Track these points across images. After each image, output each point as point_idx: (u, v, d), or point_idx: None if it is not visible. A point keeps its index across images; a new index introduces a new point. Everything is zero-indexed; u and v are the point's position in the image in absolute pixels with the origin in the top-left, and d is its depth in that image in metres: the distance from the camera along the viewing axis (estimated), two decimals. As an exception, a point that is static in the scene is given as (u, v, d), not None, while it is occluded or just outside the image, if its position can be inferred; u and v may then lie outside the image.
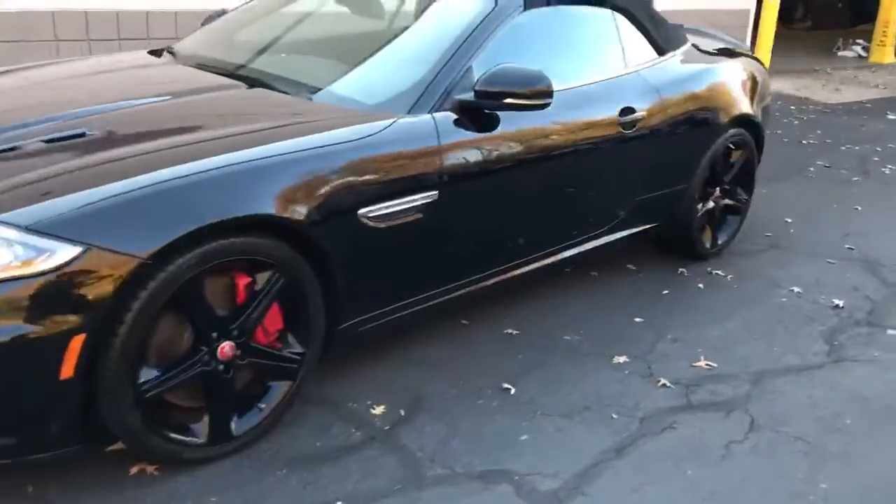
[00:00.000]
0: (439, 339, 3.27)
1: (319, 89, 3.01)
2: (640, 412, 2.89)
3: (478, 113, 2.97)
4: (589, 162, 3.44)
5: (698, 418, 2.88)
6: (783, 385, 3.14)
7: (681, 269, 4.15)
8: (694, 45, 4.33)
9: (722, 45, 4.70)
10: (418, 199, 2.75)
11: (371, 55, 3.24)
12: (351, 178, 2.57)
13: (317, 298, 2.58)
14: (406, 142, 2.74)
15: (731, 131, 4.13)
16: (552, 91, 2.96)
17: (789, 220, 5.01)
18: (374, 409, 2.80)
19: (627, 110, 3.52)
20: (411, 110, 2.83)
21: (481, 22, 3.12)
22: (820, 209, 5.30)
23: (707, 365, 3.24)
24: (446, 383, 2.98)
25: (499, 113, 3.03)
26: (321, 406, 2.80)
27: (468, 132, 2.92)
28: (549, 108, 3.00)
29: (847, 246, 4.64)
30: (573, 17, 3.63)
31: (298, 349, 2.61)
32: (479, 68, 2.98)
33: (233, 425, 2.50)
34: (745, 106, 4.20)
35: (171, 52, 3.57)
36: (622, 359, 3.24)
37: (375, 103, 2.89)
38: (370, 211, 2.61)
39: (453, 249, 3.00)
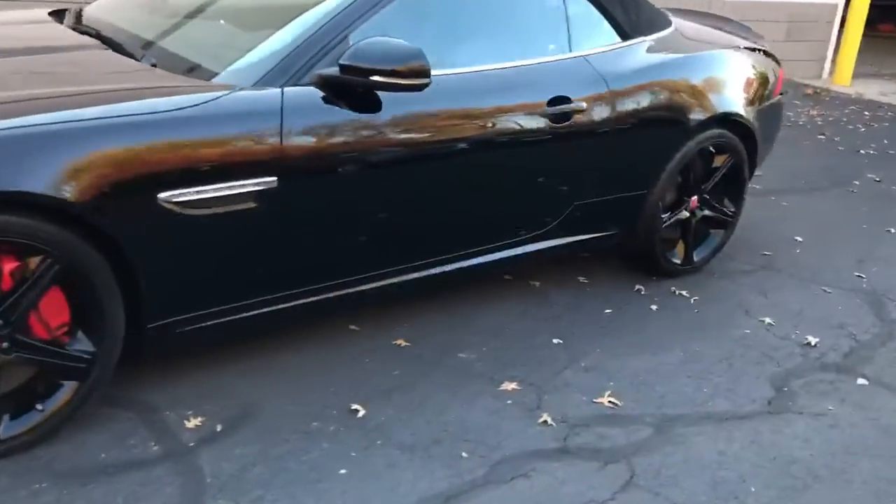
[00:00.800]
0: (309, 345, 2.91)
1: (188, 60, 2.68)
2: (499, 453, 2.45)
3: (351, 91, 2.58)
4: (502, 157, 2.99)
5: (566, 467, 2.42)
6: (694, 435, 2.63)
7: (638, 287, 3.64)
8: (679, 31, 3.78)
9: (735, 38, 4.13)
10: (248, 185, 2.39)
11: (245, 23, 2.88)
12: (150, 157, 2.22)
13: (110, 292, 2.26)
14: (235, 118, 2.37)
15: (710, 132, 3.58)
16: (428, 70, 2.53)
17: (799, 239, 4.38)
18: (188, 420, 2.46)
19: (559, 100, 3.05)
20: (258, 83, 2.47)
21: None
22: (844, 228, 4.64)
23: (611, 402, 2.76)
24: (289, 398, 2.62)
25: (385, 94, 2.62)
26: (131, 411, 2.49)
27: (340, 112, 2.54)
28: (456, 91, 2.71)
29: (857, 273, 4.01)
30: None
31: (89, 347, 2.29)
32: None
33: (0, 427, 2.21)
34: (731, 104, 3.64)
35: (72, 14, 3.31)
36: (512, 385, 2.79)
37: (222, 73, 2.54)
38: (174, 195, 2.26)
39: (309, 246, 2.62)
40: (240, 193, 2.38)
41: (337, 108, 2.55)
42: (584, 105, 3.11)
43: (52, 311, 2.24)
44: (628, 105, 3.27)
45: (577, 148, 3.17)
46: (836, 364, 3.15)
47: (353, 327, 3.06)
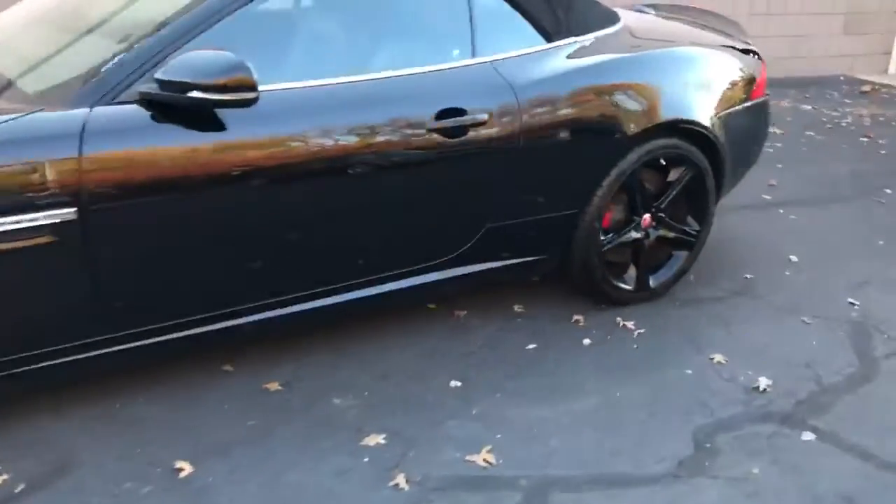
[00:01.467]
0: (168, 389, 2.64)
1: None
2: (326, 524, 2.12)
3: (185, 109, 2.30)
4: (385, 177, 2.66)
5: (397, 544, 2.07)
6: (571, 504, 2.23)
7: (576, 317, 3.23)
8: (628, 29, 3.36)
9: (708, 35, 3.68)
10: (40, 217, 2.13)
11: (76, 39, 2.64)
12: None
13: None
14: (29, 142, 2.12)
15: (657, 143, 3.15)
16: (253, 84, 2.24)
17: (794, 259, 3.87)
18: (-9, 478, 2.22)
19: (452, 112, 2.69)
20: (68, 102, 2.21)
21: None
22: (854, 246, 4.09)
23: (486, 461, 2.39)
24: (116, 453, 2.36)
25: (232, 111, 2.33)
26: (-65, 466, 2.26)
27: (169, 133, 2.26)
28: (320, 107, 2.46)
29: (850, 300, 3.48)
30: None
31: None
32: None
33: None
34: (683, 109, 3.20)
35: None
36: (378, 439, 2.46)
37: (32, 93, 2.30)
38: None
39: (136, 281, 2.35)
40: (34, 227, 2.12)
41: (166, 127, 2.27)
42: (485, 117, 2.74)
43: None
44: (543, 116, 2.88)
45: (479, 165, 2.81)
46: (782, 414, 2.68)
47: (226, 368, 2.79)
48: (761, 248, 3.97)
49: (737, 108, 3.47)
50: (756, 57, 3.69)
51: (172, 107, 2.28)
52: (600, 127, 3.01)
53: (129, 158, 2.23)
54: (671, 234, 3.37)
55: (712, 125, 3.28)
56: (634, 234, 3.27)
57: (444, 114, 2.68)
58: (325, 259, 2.67)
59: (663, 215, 3.31)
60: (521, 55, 2.93)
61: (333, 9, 2.78)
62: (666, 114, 3.14)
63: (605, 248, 3.20)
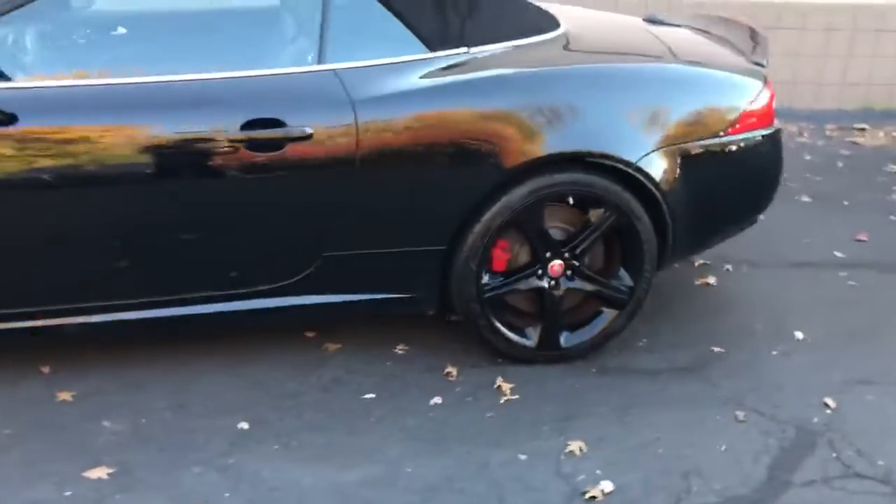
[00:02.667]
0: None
1: None
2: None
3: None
4: (185, 189, 2.46)
5: None
6: None
7: (450, 369, 2.80)
8: (564, 39, 2.85)
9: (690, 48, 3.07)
10: None
11: None
12: None
13: None
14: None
15: (558, 177, 2.64)
16: None
17: (798, 336, 3.12)
18: None
19: (266, 123, 2.41)
20: None
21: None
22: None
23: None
24: None
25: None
26: None
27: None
28: (105, 106, 2.33)
29: (827, 400, 2.73)
30: None
31: None
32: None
33: None
34: (596, 140, 2.65)
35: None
36: (104, 472, 2.27)
37: None
38: None
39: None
40: None
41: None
42: (309, 132, 2.42)
43: None
44: (390, 136, 2.51)
45: (304, 185, 2.50)
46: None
47: (44, 369, 2.71)
48: (769, 317, 3.23)
49: (702, 142, 2.81)
50: (759, 81, 2.97)
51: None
52: (469, 155, 2.57)
53: None
54: (590, 288, 2.81)
55: (646, 162, 2.68)
56: (537, 283, 2.76)
57: (253, 124, 2.39)
58: (127, 270, 2.50)
59: (577, 264, 2.76)
60: (379, 65, 2.55)
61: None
62: (565, 144, 2.61)
63: (491, 294, 2.73)
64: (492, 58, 2.67)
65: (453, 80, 2.57)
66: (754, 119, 2.91)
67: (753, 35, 3.29)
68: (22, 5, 2.30)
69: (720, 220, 3.03)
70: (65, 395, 2.58)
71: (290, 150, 2.42)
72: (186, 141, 2.38)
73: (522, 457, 2.39)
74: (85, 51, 2.57)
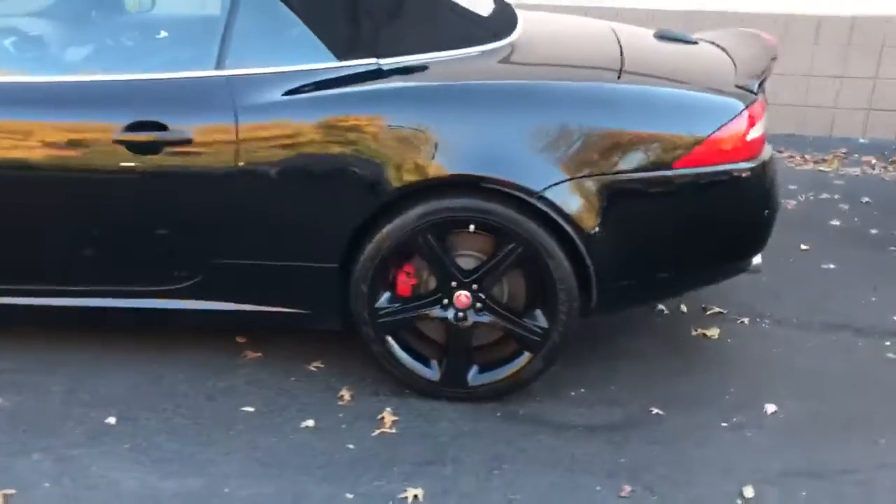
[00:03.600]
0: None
1: None
2: None
3: None
4: (71, 185, 2.54)
5: None
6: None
7: (345, 393, 2.70)
8: (508, 51, 2.65)
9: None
10: None
11: None
12: None
13: None
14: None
15: (453, 202, 2.45)
16: None
17: (768, 409, 2.67)
18: None
19: (148, 125, 2.45)
20: None
21: None
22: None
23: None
24: None
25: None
26: None
27: None
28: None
29: (746, 490, 2.32)
30: None
31: None
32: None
33: None
34: (493, 164, 2.43)
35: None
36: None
37: None
38: None
39: None
40: None
41: None
42: (188, 136, 2.43)
43: None
44: (272, 146, 2.46)
45: (183, 191, 2.50)
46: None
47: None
48: (749, 384, 2.81)
49: (640, 174, 2.48)
50: (737, 106, 2.55)
51: None
52: (353, 172, 2.44)
53: None
54: (500, 324, 2.58)
55: (556, 193, 2.41)
56: (439, 312, 2.58)
57: (136, 126, 2.44)
58: (30, 258, 2.65)
59: (483, 296, 2.55)
60: (274, 73, 2.50)
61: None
62: (456, 167, 2.41)
63: (386, 320, 2.59)
64: (400, 70, 2.52)
65: (346, 91, 2.46)
66: (723, 149, 2.50)
67: (762, 55, 2.86)
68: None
69: (675, 267, 2.66)
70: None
71: (167, 154, 2.43)
72: (76, 138, 2.46)
73: (349, 496, 2.25)
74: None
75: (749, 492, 2.27)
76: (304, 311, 2.64)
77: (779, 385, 2.78)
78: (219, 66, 2.50)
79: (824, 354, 2.97)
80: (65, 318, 2.74)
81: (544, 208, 2.41)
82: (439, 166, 2.40)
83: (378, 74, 2.50)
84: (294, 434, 2.50)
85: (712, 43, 3.03)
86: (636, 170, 2.46)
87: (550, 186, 2.40)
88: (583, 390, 2.74)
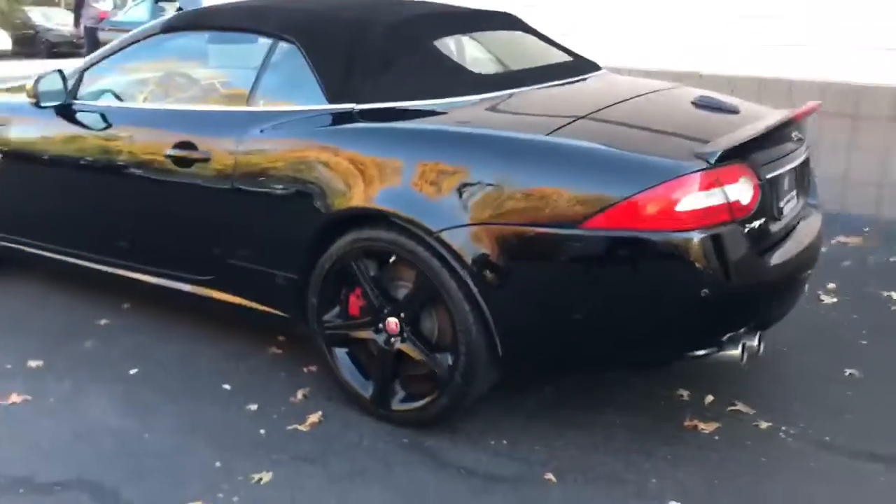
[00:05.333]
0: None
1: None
2: None
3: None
4: (131, 188, 3.33)
5: None
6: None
7: (303, 392, 3.08)
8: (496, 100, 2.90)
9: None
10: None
11: None
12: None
13: None
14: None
15: (367, 233, 2.74)
16: (33, 93, 3.40)
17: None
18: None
19: (185, 145, 3.15)
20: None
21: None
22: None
23: None
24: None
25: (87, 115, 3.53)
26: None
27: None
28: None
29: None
30: (216, 41, 3.37)
31: None
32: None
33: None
34: (406, 204, 2.63)
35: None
36: None
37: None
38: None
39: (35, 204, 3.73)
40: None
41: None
42: (209, 154, 3.08)
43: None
44: (252, 168, 2.96)
45: (203, 199, 3.12)
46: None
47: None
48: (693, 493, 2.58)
49: (541, 228, 2.47)
50: (673, 171, 2.43)
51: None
52: (299, 196, 2.85)
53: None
54: (416, 355, 2.77)
55: (453, 235, 2.54)
56: (371, 334, 2.84)
57: (180, 145, 3.14)
58: (105, 231, 3.47)
59: (408, 327, 2.76)
60: (276, 111, 3.02)
61: (171, 49, 3.46)
62: (371, 201, 2.68)
63: (330, 332, 2.93)
64: (365, 112, 2.85)
65: (314, 129, 2.87)
66: (644, 214, 2.38)
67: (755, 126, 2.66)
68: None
69: (587, 337, 2.55)
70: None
71: (195, 169, 3.08)
72: (148, 151, 3.24)
73: (218, 464, 2.62)
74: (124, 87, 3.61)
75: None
76: (283, 315, 3.06)
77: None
78: (248, 103, 3.08)
79: (824, 480, 2.55)
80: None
81: (440, 248, 2.55)
82: (358, 199, 2.69)
83: (342, 115, 2.87)
84: (237, 410, 2.92)
85: (731, 111, 2.85)
86: (541, 224, 2.45)
87: (448, 228, 2.54)
88: (504, 442, 2.74)
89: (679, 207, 2.37)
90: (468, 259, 2.52)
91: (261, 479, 2.53)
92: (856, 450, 2.70)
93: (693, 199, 2.37)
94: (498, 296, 2.52)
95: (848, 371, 3.22)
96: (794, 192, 2.94)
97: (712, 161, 2.41)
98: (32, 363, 3.26)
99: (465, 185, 2.55)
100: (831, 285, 4.09)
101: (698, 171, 2.39)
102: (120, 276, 3.47)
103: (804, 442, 2.75)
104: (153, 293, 3.44)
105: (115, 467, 2.59)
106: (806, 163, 3.05)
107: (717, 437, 2.78)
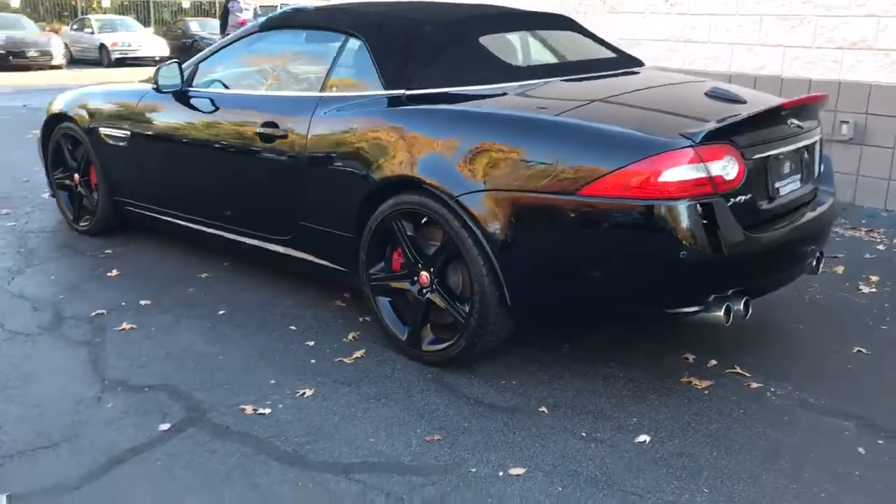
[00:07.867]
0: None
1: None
2: None
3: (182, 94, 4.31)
4: (231, 161, 3.95)
5: None
6: None
7: (352, 335, 3.62)
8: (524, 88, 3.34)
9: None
10: (122, 132, 4.55)
11: None
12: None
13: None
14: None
15: (405, 197, 3.23)
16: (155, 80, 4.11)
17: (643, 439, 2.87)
18: (105, 247, 4.83)
19: (270, 124, 3.76)
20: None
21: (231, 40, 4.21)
22: None
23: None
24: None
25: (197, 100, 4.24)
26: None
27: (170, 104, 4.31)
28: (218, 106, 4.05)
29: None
30: (302, 38, 3.96)
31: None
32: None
33: None
34: (433, 172, 3.11)
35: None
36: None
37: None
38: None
39: (157, 174, 4.47)
40: (121, 135, 4.55)
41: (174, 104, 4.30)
42: (286, 132, 3.68)
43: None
44: (320, 144, 3.52)
45: (282, 169, 3.73)
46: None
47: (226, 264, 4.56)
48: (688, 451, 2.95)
49: (545, 195, 2.90)
50: (659, 146, 2.79)
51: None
52: (353, 167, 3.38)
53: (149, 112, 4.39)
54: (443, 305, 3.25)
55: (470, 199, 3.00)
56: (407, 286, 3.34)
57: (266, 124, 3.76)
58: (211, 199, 4.13)
59: (437, 280, 3.24)
60: (343, 96, 3.58)
61: (268, 46, 4.09)
62: (406, 169, 3.18)
63: (375, 283, 3.45)
64: (412, 97, 3.36)
65: (369, 110, 3.41)
66: (631, 184, 2.76)
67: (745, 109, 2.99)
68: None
69: (583, 288, 2.95)
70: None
71: (276, 144, 3.69)
72: (236, 129, 3.88)
73: (271, 375, 3.19)
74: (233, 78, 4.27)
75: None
76: (346, 270, 3.60)
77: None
78: (321, 89, 3.66)
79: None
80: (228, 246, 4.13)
81: (460, 211, 3.02)
82: (397, 169, 3.20)
83: (392, 99, 3.39)
84: (297, 345, 3.49)
85: (737, 101, 3.18)
86: (545, 191, 2.88)
87: (466, 194, 3.01)
88: (515, 382, 3.17)
89: (663, 178, 2.74)
90: (482, 220, 2.97)
91: (304, 393, 3.07)
92: (832, 409, 2.96)
93: (676, 171, 2.74)
94: (506, 252, 2.96)
95: (857, 349, 3.44)
96: (797, 176, 3.21)
97: (697, 140, 2.76)
98: (143, 302, 3.94)
99: (483, 156, 3.00)
100: (874, 278, 4.25)
101: (682, 147, 2.75)
102: (222, 238, 4.11)
103: (787, 401, 3.03)
104: (249, 253, 4.06)
105: (192, 378, 3.20)
106: (811, 149, 3.31)
107: (706, 392, 3.09)
